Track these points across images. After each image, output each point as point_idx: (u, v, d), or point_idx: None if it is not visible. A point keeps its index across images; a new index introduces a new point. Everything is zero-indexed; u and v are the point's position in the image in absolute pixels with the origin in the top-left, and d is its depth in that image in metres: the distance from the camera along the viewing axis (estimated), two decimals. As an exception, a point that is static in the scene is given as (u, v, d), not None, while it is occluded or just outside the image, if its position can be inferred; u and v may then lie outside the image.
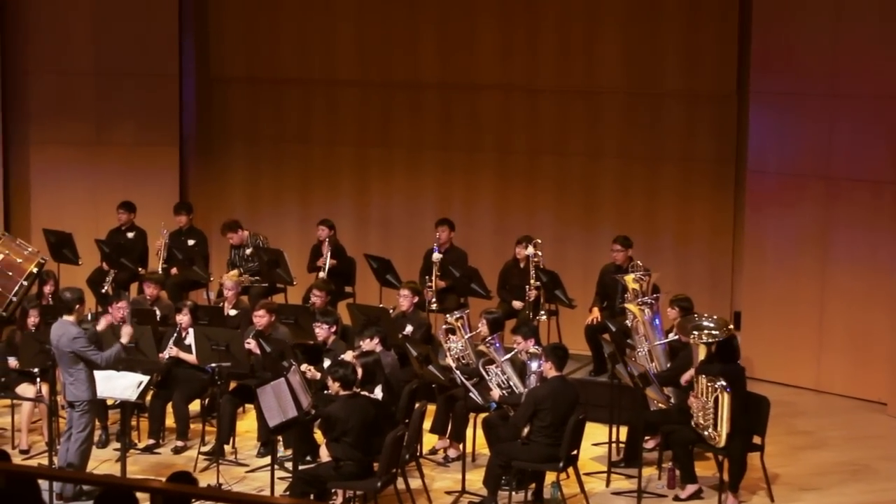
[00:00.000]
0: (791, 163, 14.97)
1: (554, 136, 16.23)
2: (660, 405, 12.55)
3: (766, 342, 15.07)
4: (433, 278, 14.83)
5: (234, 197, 17.33)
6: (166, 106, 17.16)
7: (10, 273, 15.04)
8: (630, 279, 13.58)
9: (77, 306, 11.82)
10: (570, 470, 11.77)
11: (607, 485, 12.35)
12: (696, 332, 11.80)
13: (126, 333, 12.02)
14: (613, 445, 12.71)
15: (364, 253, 15.46)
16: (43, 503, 5.23)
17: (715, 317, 12.10)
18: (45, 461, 12.41)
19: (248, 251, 15.45)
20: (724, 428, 11.53)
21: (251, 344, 12.77)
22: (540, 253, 14.50)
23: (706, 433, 11.64)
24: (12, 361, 13.02)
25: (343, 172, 16.98)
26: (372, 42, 16.72)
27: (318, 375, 12.46)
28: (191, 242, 15.73)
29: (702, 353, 11.74)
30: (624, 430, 12.80)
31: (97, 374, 11.98)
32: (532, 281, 14.40)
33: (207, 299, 15.67)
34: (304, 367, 12.36)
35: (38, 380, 12.73)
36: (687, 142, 15.84)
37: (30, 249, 15.32)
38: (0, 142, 16.98)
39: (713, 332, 11.78)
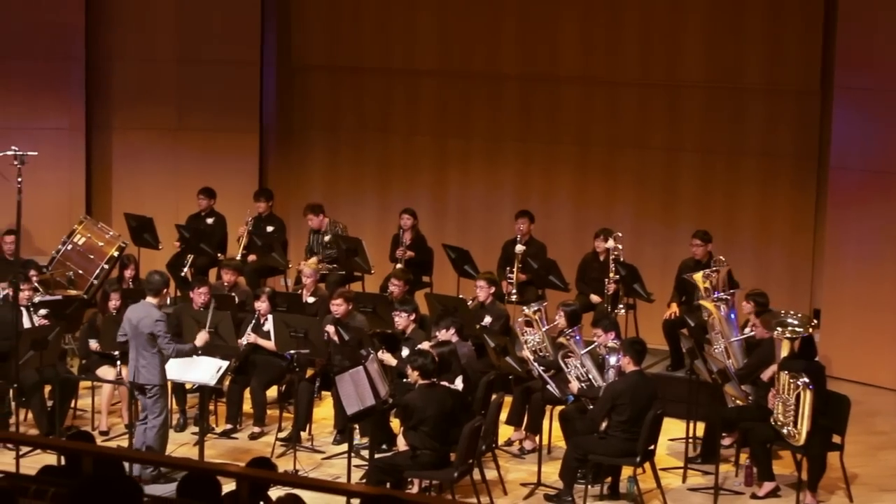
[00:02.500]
0: (874, 160, 14.79)
1: (634, 130, 16.15)
2: (738, 402, 12.46)
3: (846, 340, 14.91)
4: (514, 270, 14.81)
5: (313, 185, 17.38)
6: (247, 93, 17.24)
7: (92, 256, 15.29)
8: (699, 277, 13.50)
9: (164, 290, 11.92)
10: (647, 465, 11.72)
11: (683, 481, 12.30)
12: (779, 328, 11.70)
13: (201, 338, 12.10)
14: (690, 441, 12.64)
15: (442, 243, 15.47)
16: (134, 485, 5.27)
17: (799, 313, 12.00)
18: (124, 443, 12.50)
19: (327, 238, 15.49)
20: (804, 426, 11.43)
21: (330, 329, 12.81)
22: (620, 246, 14.45)
23: (785, 431, 11.55)
24: (93, 344, 13.15)
25: (422, 162, 16.99)
26: (453, 32, 16.71)
27: (395, 362, 12.50)
28: (270, 229, 15.81)
29: (784, 350, 11.64)
30: (701, 426, 12.73)
31: (176, 358, 12.09)
32: (611, 274, 14.36)
33: (285, 286, 15.75)
34: (380, 352, 12.43)
35: (119, 362, 12.84)
36: (768, 137, 15.71)
37: (111, 233, 15.55)
38: (83, 127, 17.13)
39: (797, 328, 11.67)
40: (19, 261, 13.04)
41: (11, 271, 13.05)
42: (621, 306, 14.40)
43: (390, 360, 12.55)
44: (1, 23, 16.65)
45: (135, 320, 11.76)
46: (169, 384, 12.26)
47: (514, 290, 14.75)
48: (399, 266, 15.11)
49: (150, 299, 11.87)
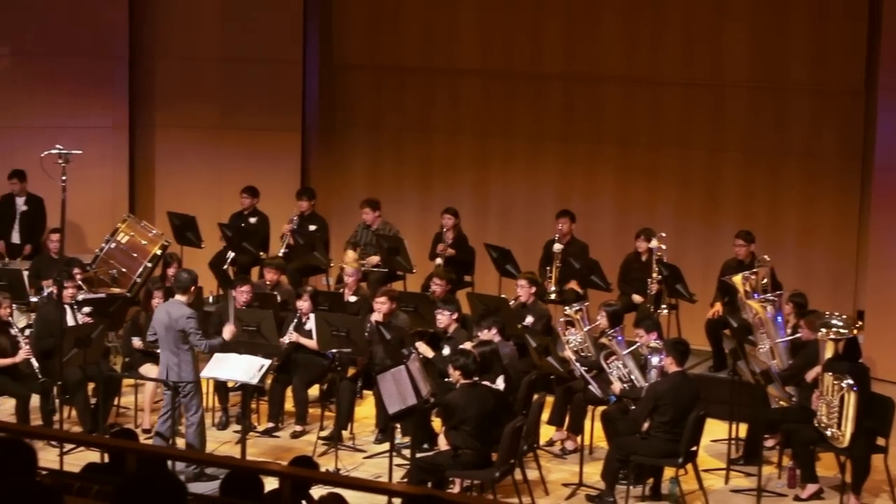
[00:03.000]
0: (919, 161, 14.69)
1: (677, 130, 16.08)
2: (781, 403, 12.40)
3: (890, 342, 14.79)
4: (553, 269, 14.79)
5: (355, 184, 17.40)
6: (290, 92, 17.28)
7: (135, 255, 15.35)
8: (738, 279, 13.44)
9: (191, 287, 11.95)
10: (689, 466, 11.68)
11: (726, 482, 12.25)
12: (823, 329, 11.64)
13: (228, 332, 12.15)
14: (733, 443, 12.58)
15: (484, 242, 15.46)
16: (179, 483, 5.28)
17: (843, 315, 11.93)
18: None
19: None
20: (848, 428, 11.36)
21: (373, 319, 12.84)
22: (663, 246, 14.41)
23: (829, 432, 11.48)
24: (136, 342, 13.21)
25: (464, 162, 16.97)
26: (495, 31, 16.69)
27: (431, 353, 12.49)
28: (312, 228, 15.83)
29: (828, 351, 11.57)
30: (744, 428, 12.67)
31: (219, 356, 12.15)
32: (654, 275, 14.32)
33: (327, 285, 15.78)
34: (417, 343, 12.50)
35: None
36: (812, 138, 15.61)
37: (154, 232, 15.61)
38: (127, 125, 17.22)
39: (841, 329, 11.60)
40: (63, 259, 13.10)
41: (56, 269, 13.13)
42: (664, 306, 14.35)
43: (427, 351, 12.56)
44: (45, 22, 16.74)
45: (165, 319, 11.82)
46: (204, 381, 12.32)
47: (554, 289, 14.72)
48: (438, 262, 15.11)
49: (179, 297, 11.94)
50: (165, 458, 7.79)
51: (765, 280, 13.47)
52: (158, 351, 12.72)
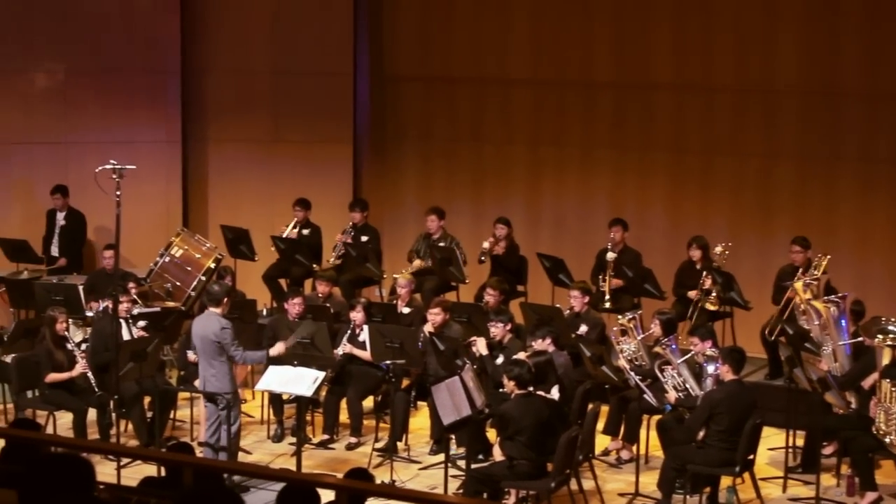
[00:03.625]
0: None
1: (729, 136, 15.99)
2: (839, 410, 12.29)
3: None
4: (606, 278, 14.75)
5: (407, 194, 17.42)
6: (341, 104, 17.32)
7: (189, 268, 15.41)
8: (799, 286, 13.34)
9: (224, 299, 11.98)
10: (746, 475, 11.60)
11: (784, 491, 12.17)
12: (880, 336, 11.54)
13: (277, 349, 12.19)
14: (790, 451, 12.49)
15: (537, 252, 15.43)
16: (236, 497, 5.29)
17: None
18: (221, 454, 12.57)
19: (440, 244, 15.44)
20: (907, 435, 11.26)
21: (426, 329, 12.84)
22: (727, 252, 14.38)
23: (888, 440, 11.38)
24: (191, 355, 13.22)
25: (515, 171, 16.95)
26: (546, 41, 16.66)
27: (486, 350, 12.45)
28: (364, 238, 15.85)
29: (885, 358, 11.47)
30: (801, 436, 12.57)
31: (274, 369, 12.18)
32: (707, 283, 14.26)
33: (380, 296, 15.79)
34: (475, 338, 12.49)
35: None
36: (867, 142, 15.47)
37: (207, 245, 15.67)
38: (180, 139, 17.32)
39: (899, 335, 11.51)
40: (118, 273, 13.18)
41: (111, 284, 13.21)
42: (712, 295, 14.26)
43: (483, 347, 12.54)
44: (98, 38, 16.86)
45: (201, 331, 11.88)
46: (259, 394, 12.36)
47: (607, 297, 14.69)
48: (482, 258, 15.09)
49: (212, 309, 11.96)
50: (222, 472, 7.79)
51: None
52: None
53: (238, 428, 12.12)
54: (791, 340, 13.20)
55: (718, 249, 14.35)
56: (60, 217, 16.42)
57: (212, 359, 11.81)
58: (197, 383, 12.63)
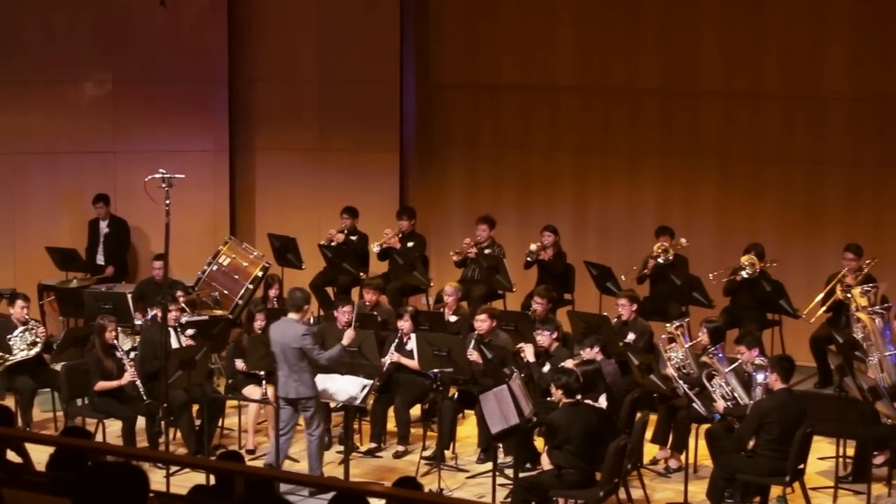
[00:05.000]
0: None
1: (777, 143, 15.91)
2: (889, 420, 12.19)
3: None
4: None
5: (453, 202, 17.42)
6: (387, 112, 17.35)
7: (237, 276, 15.47)
8: (857, 293, 13.25)
9: (305, 307, 12.06)
10: (796, 484, 11.52)
11: (834, 500, 12.05)
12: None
13: (348, 336, 12.26)
14: (840, 460, 12.40)
15: (584, 260, 15.39)
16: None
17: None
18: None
19: (486, 251, 15.44)
20: (959, 445, 11.16)
21: (474, 355, 12.80)
22: (775, 263, 14.34)
23: (940, 450, 11.28)
24: (239, 363, 13.29)
25: (562, 179, 16.92)
26: (592, 48, 16.63)
27: (533, 357, 12.41)
28: (410, 244, 15.85)
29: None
30: (851, 445, 12.48)
31: (322, 378, 12.21)
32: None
33: (427, 304, 15.79)
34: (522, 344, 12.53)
35: (264, 382, 12.98)
36: (918, 148, 15.38)
37: (255, 253, 15.73)
38: (227, 148, 17.39)
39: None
40: (167, 282, 13.24)
41: (160, 293, 13.28)
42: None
43: (531, 353, 12.51)
44: (146, 47, 16.97)
45: (281, 338, 11.93)
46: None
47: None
48: (529, 259, 15.06)
49: (292, 315, 12.04)
50: (272, 481, 7.81)
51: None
52: (260, 373, 12.84)
53: (322, 432, 12.19)
54: (841, 349, 13.10)
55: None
56: (104, 226, 16.53)
57: (293, 365, 11.91)
58: (259, 392, 12.70)
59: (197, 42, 17.12)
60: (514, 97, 17.10)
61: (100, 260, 16.52)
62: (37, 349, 13.52)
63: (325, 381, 12.25)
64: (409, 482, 8.83)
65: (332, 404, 13.08)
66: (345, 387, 12.29)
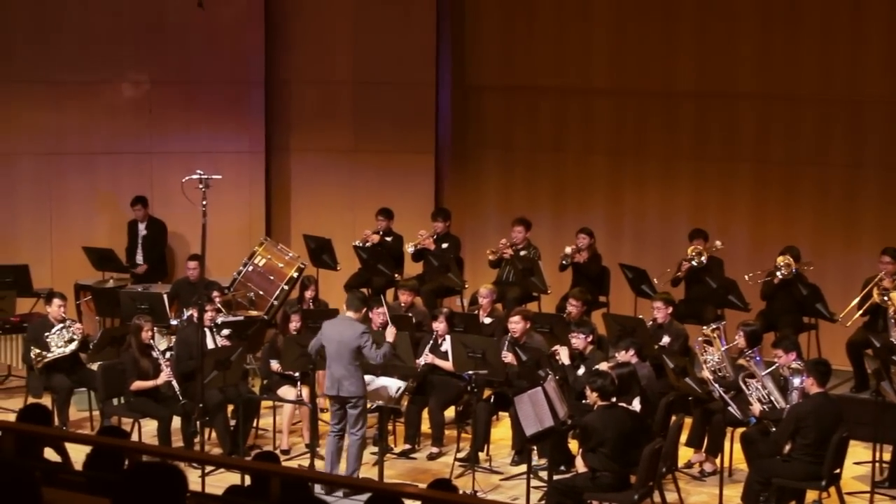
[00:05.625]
0: None
1: (814, 146, 15.84)
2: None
3: None
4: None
5: (488, 204, 17.41)
6: (422, 114, 17.36)
7: (272, 277, 15.51)
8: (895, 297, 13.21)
9: (363, 308, 12.24)
10: (832, 489, 11.47)
11: (870, 505, 12.02)
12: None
13: (391, 333, 12.31)
14: (877, 465, 12.34)
15: (619, 263, 15.37)
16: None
17: None
18: (305, 462, 12.68)
19: (522, 253, 15.42)
20: None
21: (508, 357, 12.81)
22: (811, 266, 14.29)
23: (977, 455, 11.21)
24: (274, 364, 13.33)
25: (597, 182, 16.89)
26: (628, 50, 16.59)
27: (568, 360, 12.41)
28: (444, 245, 15.86)
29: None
30: (888, 450, 12.42)
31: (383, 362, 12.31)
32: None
33: (461, 306, 15.79)
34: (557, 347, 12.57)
35: (299, 382, 13.02)
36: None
37: (290, 255, 15.76)
38: (263, 149, 17.44)
39: None
40: (203, 282, 13.29)
41: (195, 294, 13.32)
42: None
43: (566, 356, 12.49)
44: (182, 49, 17.03)
45: (338, 336, 12.03)
46: (319, 401, 12.52)
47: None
48: (564, 263, 15.06)
49: (350, 314, 12.16)
50: (308, 481, 7.83)
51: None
52: (295, 374, 12.88)
53: (364, 432, 12.26)
54: (878, 353, 13.04)
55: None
56: (142, 228, 16.59)
57: (348, 363, 12.00)
58: (294, 393, 12.76)
59: (233, 43, 17.17)
60: (549, 99, 17.08)
61: (139, 260, 16.59)
62: (74, 346, 13.58)
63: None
64: (444, 484, 8.85)
65: (368, 405, 13.09)
66: (381, 388, 12.35)
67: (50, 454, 8.70)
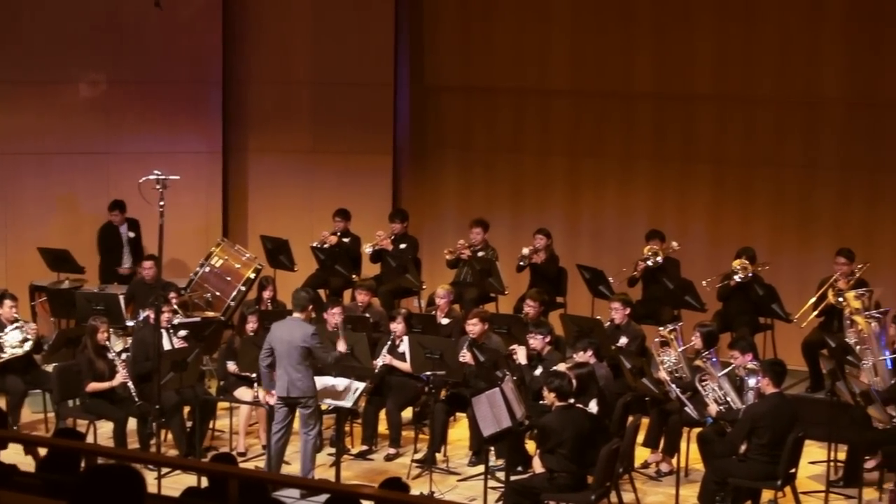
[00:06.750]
0: None
1: (771, 148, 15.93)
2: (879, 424, 12.20)
3: None
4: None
5: (446, 205, 17.42)
6: (381, 114, 17.35)
7: (229, 278, 15.47)
8: (851, 296, 13.27)
9: (309, 307, 12.12)
10: (788, 489, 11.52)
11: (825, 505, 12.09)
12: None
13: (341, 345, 12.29)
14: (832, 464, 12.41)
15: (576, 263, 15.40)
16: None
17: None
18: (262, 464, 12.64)
19: (480, 254, 15.44)
20: (951, 450, 11.17)
21: (466, 356, 12.81)
22: (767, 266, 14.36)
23: (931, 455, 11.29)
24: (231, 366, 13.28)
25: (555, 182, 16.93)
26: (586, 51, 16.64)
27: (525, 360, 12.45)
28: (402, 246, 15.85)
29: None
30: (843, 449, 12.48)
31: (314, 379, 12.22)
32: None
33: (419, 307, 15.79)
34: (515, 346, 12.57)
35: (256, 384, 12.97)
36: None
37: (247, 255, 15.72)
38: (220, 150, 17.38)
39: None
40: (160, 283, 13.22)
41: (152, 294, 13.25)
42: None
43: (523, 356, 12.50)
44: (140, 48, 16.93)
45: (287, 336, 11.96)
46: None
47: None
48: (521, 265, 15.14)
49: (297, 315, 12.08)
50: (265, 483, 7.81)
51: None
52: (252, 375, 12.83)
53: (319, 431, 12.25)
54: (833, 353, 13.12)
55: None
56: (124, 230, 16.34)
57: (297, 363, 11.94)
58: (251, 394, 12.72)
59: (191, 43, 17.09)
60: (507, 100, 17.10)
61: (126, 263, 16.32)
62: (28, 346, 13.50)
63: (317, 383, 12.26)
64: (395, 483, 8.82)
65: (324, 407, 13.07)
66: (337, 389, 12.33)
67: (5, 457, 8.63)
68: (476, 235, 15.59)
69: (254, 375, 12.89)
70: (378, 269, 15.98)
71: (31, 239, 16.46)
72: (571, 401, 11.22)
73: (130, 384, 12.73)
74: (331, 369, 12.39)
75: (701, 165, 16.26)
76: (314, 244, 15.94)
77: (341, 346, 12.48)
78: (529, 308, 13.88)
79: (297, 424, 12.28)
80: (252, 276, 15.46)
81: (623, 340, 13.42)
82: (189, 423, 13.05)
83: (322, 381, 12.24)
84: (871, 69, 15.38)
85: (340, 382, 12.36)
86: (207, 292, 15.30)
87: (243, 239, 17.08)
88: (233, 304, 15.28)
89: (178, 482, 11.30)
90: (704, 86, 16.12)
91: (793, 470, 11.45)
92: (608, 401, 12.06)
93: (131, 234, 16.35)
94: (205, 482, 9.44)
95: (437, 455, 12.86)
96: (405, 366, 13.20)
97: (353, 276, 15.78)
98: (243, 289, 15.44)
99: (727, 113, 16.09)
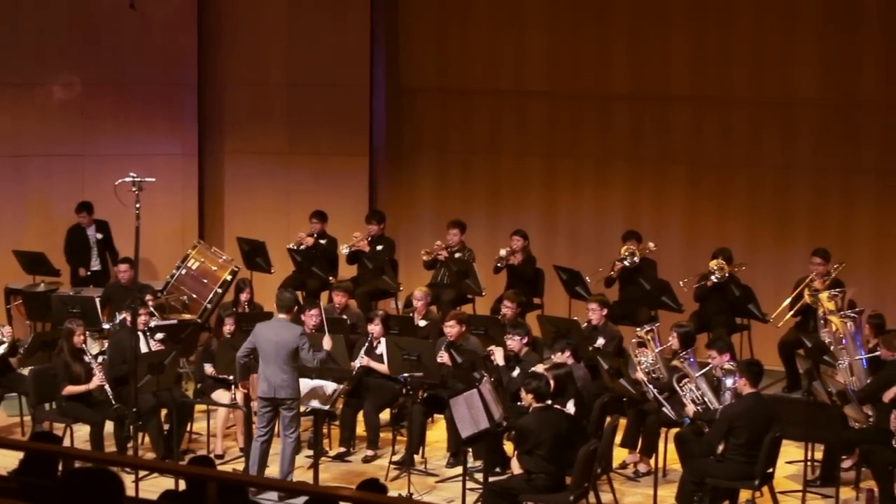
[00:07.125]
0: None
1: (746, 149, 15.97)
2: (857, 424, 12.24)
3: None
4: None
5: (423, 206, 17.42)
6: (357, 116, 17.33)
7: (205, 280, 15.45)
8: (824, 297, 13.33)
9: (294, 308, 12.14)
10: (765, 488, 11.55)
11: (803, 504, 12.12)
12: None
13: (326, 342, 12.28)
14: (809, 464, 12.44)
15: (553, 264, 15.42)
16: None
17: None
18: (239, 466, 12.61)
19: (456, 255, 15.45)
20: (927, 449, 11.22)
21: (444, 358, 12.81)
22: (744, 266, 14.41)
23: (908, 453, 11.34)
24: (208, 368, 13.25)
25: (531, 183, 16.94)
26: (561, 53, 16.66)
27: (503, 361, 12.48)
28: (379, 248, 15.83)
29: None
30: (820, 449, 12.52)
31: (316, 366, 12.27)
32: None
33: (396, 308, 15.78)
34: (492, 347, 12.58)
35: (233, 386, 12.95)
36: (885, 154, 15.43)
37: (224, 258, 15.70)
38: (196, 152, 17.33)
39: (919, 349, 11.49)
40: (136, 286, 13.19)
41: (128, 297, 13.21)
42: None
43: (501, 357, 12.50)
44: (115, 50, 16.88)
45: (275, 337, 11.92)
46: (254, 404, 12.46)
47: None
48: (498, 267, 15.17)
49: (282, 316, 12.06)
50: (243, 485, 7.79)
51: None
52: (229, 377, 12.80)
53: (299, 434, 12.22)
54: (810, 353, 13.17)
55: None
56: (92, 232, 16.27)
57: (284, 364, 11.90)
58: (228, 397, 12.70)
59: (166, 45, 17.05)
60: (483, 102, 17.12)
61: (95, 266, 16.25)
62: (3, 349, 13.44)
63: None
64: (372, 485, 8.81)
65: (302, 408, 13.04)
66: (322, 385, 12.34)
67: None
68: (453, 237, 15.59)
69: (231, 378, 12.87)
70: (355, 270, 15.97)
71: (7, 242, 16.38)
72: (549, 402, 11.22)
73: (107, 387, 12.69)
74: (312, 371, 12.37)
75: (677, 166, 16.30)
76: (291, 246, 15.92)
77: (327, 344, 12.42)
78: (507, 309, 13.90)
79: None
80: (229, 278, 15.43)
81: (600, 341, 13.43)
82: (166, 426, 13.01)
83: (302, 383, 12.22)
84: (846, 70, 15.44)
85: (319, 384, 12.34)
86: (184, 295, 15.26)
87: (219, 241, 17.04)
88: (209, 306, 15.25)
89: (155, 485, 11.29)
90: (680, 87, 16.16)
91: (770, 470, 11.48)
92: (586, 402, 12.07)
93: (99, 236, 16.27)
94: (182, 485, 9.43)
95: (416, 456, 12.85)
96: (383, 367, 13.20)
97: (330, 277, 15.77)
98: (220, 291, 15.41)
99: (703, 114, 16.14)
